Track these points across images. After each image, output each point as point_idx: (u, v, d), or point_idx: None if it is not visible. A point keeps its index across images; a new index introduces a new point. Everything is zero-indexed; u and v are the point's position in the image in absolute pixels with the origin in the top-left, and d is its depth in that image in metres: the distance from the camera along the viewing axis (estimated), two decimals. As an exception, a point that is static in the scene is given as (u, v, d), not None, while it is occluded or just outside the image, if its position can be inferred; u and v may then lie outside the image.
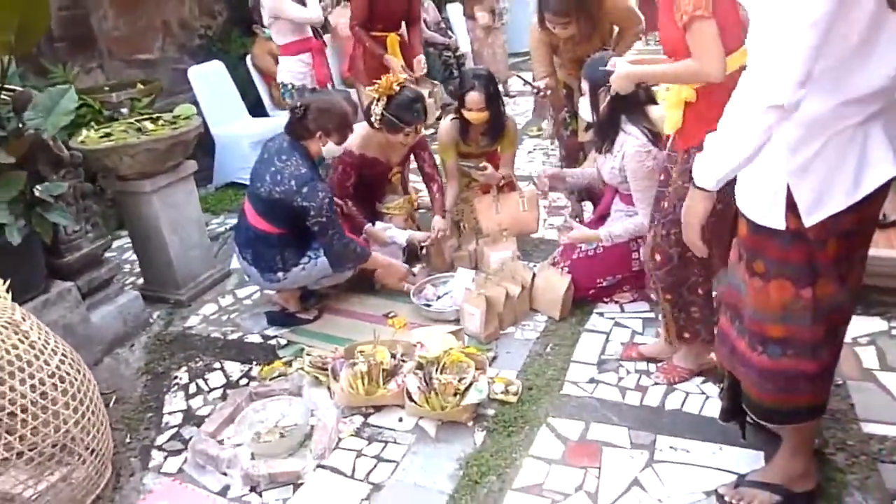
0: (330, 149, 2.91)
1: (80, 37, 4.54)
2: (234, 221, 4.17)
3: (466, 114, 3.31)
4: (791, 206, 1.49)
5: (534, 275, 2.99)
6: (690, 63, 1.89)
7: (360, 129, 3.20)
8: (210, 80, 4.84)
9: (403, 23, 4.29)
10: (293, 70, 3.93)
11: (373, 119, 3.13)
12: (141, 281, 3.49)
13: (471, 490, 2.07)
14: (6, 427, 1.88)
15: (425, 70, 4.52)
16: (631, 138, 2.65)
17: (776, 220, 1.53)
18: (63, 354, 2.09)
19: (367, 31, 4.09)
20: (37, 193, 2.58)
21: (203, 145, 4.35)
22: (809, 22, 1.27)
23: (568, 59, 3.36)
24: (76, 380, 2.07)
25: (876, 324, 2.67)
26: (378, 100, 3.10)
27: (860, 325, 2.66)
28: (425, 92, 4.22)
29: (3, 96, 2.65)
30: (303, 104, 2.87)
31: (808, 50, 1.29)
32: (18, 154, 2.50)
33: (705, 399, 2.35)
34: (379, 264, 3.11)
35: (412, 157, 3.54)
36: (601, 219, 3.05)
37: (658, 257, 2.25)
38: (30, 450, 1.92)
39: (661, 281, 2.28)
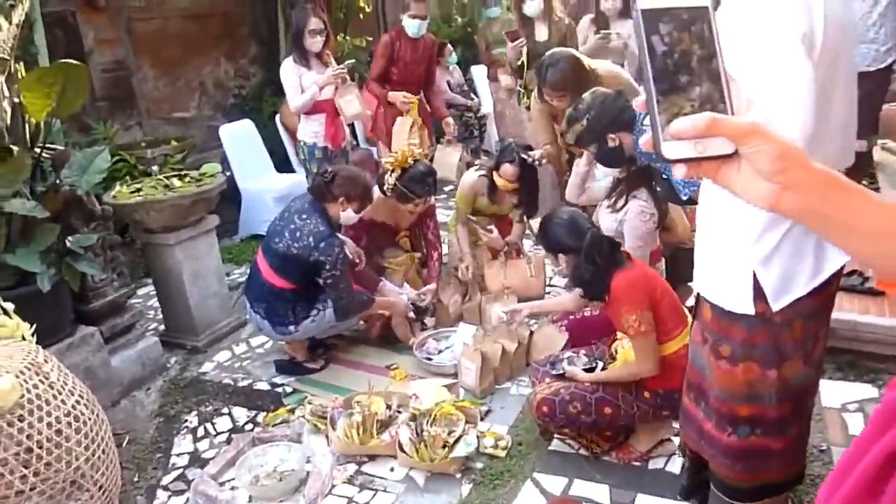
0: (347, 216, 3.10)
1: (122, 96, 4.88)
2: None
3: (497, 178, 3.49)
4: (758, 292, 1.57)
5: (531, 332, 3.10)
6: (632, 366, 2.29)
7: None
8: (239, 138, 5.13)
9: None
10: (308, 129, 4.18)
11: (385, 187, 3.31)
12: (162, 327, 3.68)
13: (453, 540, 2.16)
14: (22, 461, 2.04)
15: (456, 134, 4.75)
16: (637, 201, 2.81)
17: (744, 305, 1.59)
18: (80, 395, 2.26)
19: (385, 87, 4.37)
20: (68, 244, 2.81)
21: (230, 198, 4.61)
22: (806, 79, 1.34)
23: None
24: (90, 419, 2.23)
25: (865, 390, 2.71)
26: (392, 170, 3.29)
27: (849, 391, 2.71)
28: (455, 155, 4.42)
29: (44, 155, 2.91)
30: (332, 171, 3.10)
31: (809, 102, 1.34)
32: (54, 208, 2.73)
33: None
34: (383, 306, 3.27)
35: (419, 223, 3.71)
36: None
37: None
38: (42, 483, 2.07)
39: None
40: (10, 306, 2.21)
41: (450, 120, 4.61)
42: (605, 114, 2.25)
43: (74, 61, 2.68)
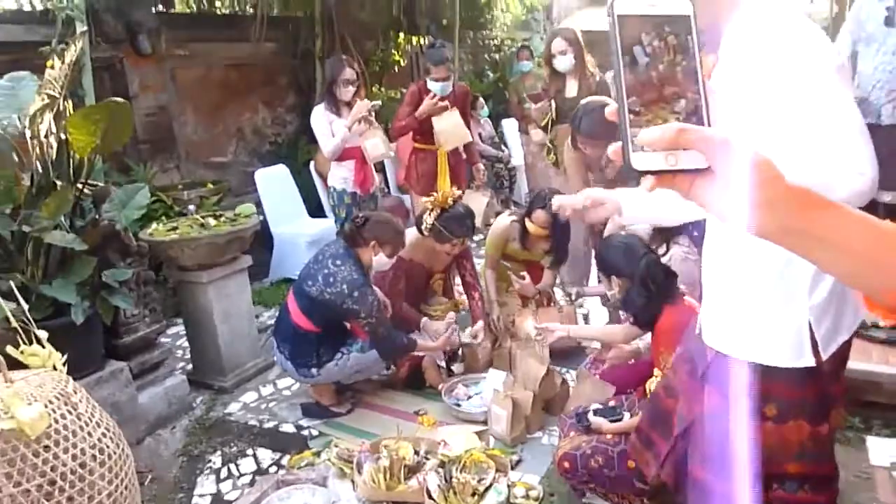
0: (380, 261, 3.09)
1: (162, 139, 5.01)
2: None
3: (529, 225, 3.47)
4: (812, 342, 1.47)
5: (563, 380, 3.02)
6: None
7: (408, 235, 3.38)
8: (274, 183, 5.20)
9: None
10: (337, 175, 4.23)
11: (423, 227, 3.31)
12: (190, 367, 3.66)
13: None
14: (45, 493, 2.00)
15: (485, 179, 4.76)
16: (679, 247, 2.77)
17: (804, 358, 1.48)
18: (106, 428, 2.23)
19: (416, 143, 4.40)
20: (104, 278, 2.83)
21: (262, 242, 4.65)
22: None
23: (601, 177, 3.52)
24: (115, 454, 2.19)
25: (916, 450, 2.57)
26: (431, 210, 3.29)
27: (900, 451, 2.57)
28: (483, 201, 4.42)
29: (85, 191, 2.97)
30: (363, 216, 3.12)
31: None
32: (92, 242, 2.76)
33: (730, 518, 2.29)
34: (427, 349, 3.25)
35: (455, 265, 3.69)
36: None
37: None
38: (63, 517, 2.02)
39: None
40: (43, 334, 2.20)
41: (480, 166, 4.63)
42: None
43: (119, 99, 2.76)
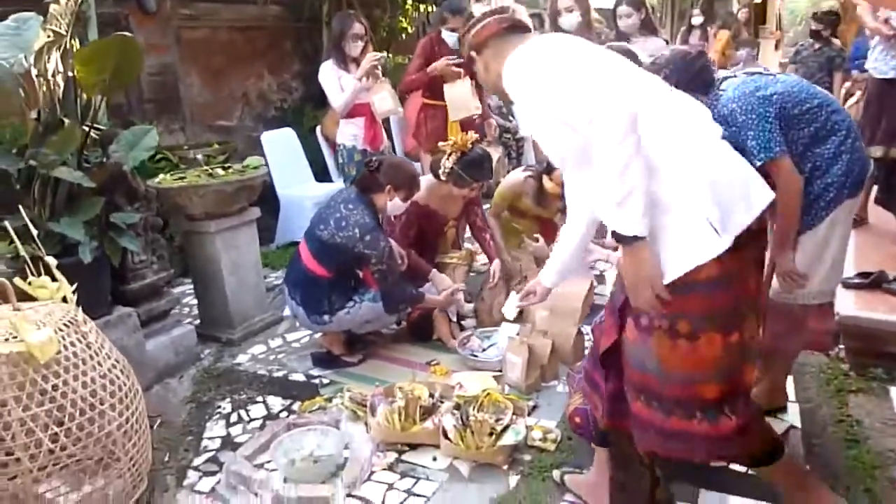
0: (395, 205, 3.04)
1: (167, 99, 4.93)
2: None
3: (547, 182, 3.41)
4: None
5: (579, 331, 2.97)
6: None
7: (425, 181, 3.35)
8: (280, 145, 5.13)
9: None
10: (347, 132, 4.15)
11: (441, 171, 3.26)
12: (197, 322, 3.60)
13: (501, 529, 2.00)
14: (55, 420, 1.95)
15: (497, 133, 4.68)
16: None
17: (712, 245, 1.52)
18: (115, 360, 2.18)
19: (425, 99, 4.33)
20: (112, 220, 2.78)
21: (268, 206, 4.58)
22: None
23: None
24: (125, 385, 2.15)
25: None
26: (450, 154, 3.24)
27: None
28: (495, 155, 4.37)
29: (93, 134, 2.90)
30: (377, 160, 3.07)
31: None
32: (99, 181, 2.70)
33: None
34: (433, 304, 3.20)
35: (465, 211, 3.64)
36: None
37: None
38: (73, 445, 1.97)
39: None
40: (52, 261, 2.15)
41: (492, 121, 4.55)
42: (686, 70, 2.15)
43: (128, 34, 2.69)
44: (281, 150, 5.11)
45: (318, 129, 5.54)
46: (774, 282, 2.31)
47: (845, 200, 2.18)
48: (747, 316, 1.62)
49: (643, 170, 1.49)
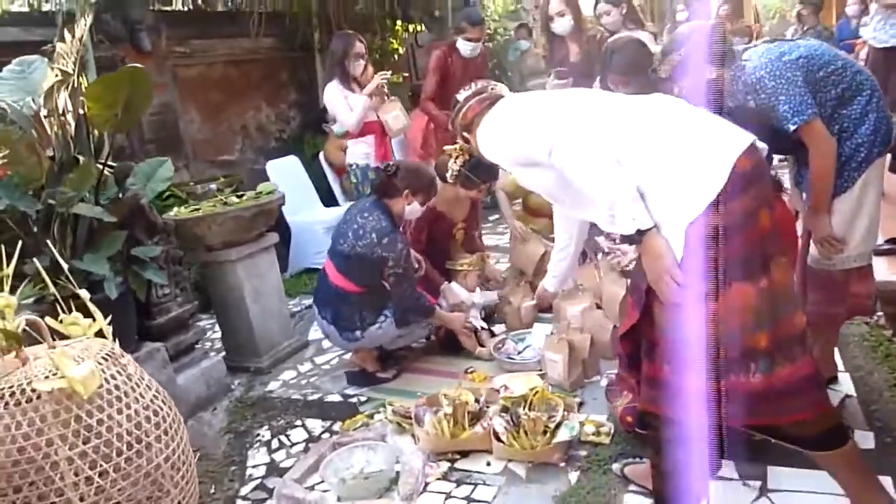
0: (413, 209, 3.02)
1: (169, 138, 4.91)
2: (309, 301, 4.29)
3: None
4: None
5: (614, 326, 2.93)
6: None
7: None
8: (286, 173, 5.11)
9: None
10: (357, 152, 4.14)
11: (448, 174, 3.23)
12: (223, 354, 3.54)
13: (570, 526, 1.94)
14: (102, 455, 1.89)
15: None
16: None
17: (720, 172, 1.52)
18: (156, 391, 2.11)
19: (437, 107, 4.32)
20: (134, 254, 2.73)
21: (280, 236, 4.54)
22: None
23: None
24: (168, 415, 2.09)
25: None
26: (456, 157, 3.21)
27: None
28: None
29: (106, 171, 2.87)
30: (394, 164, 3.07)
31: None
32: (120, 216, 2.66)
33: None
34: (443, 319, 3.12)
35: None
36: None
37: None
38: (123, 479, 1.90)
39: None
40: (85, 294, 2.10)
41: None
42: (705, 44, 2.14)
43: (137, 64, 2.68)
44: (287, 177, 5.09)
45: (322, 155, 5.53)
46: (813, 250, 2.28)
47: (875, 160, 2.16)
48: (771, 259, 1.58)
49: (618, 169, 1.58)
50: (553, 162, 1.65)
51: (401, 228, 3.28)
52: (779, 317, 1.58)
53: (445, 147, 3.44)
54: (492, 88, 2.11)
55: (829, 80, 2.09)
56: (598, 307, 3.15)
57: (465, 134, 2.10)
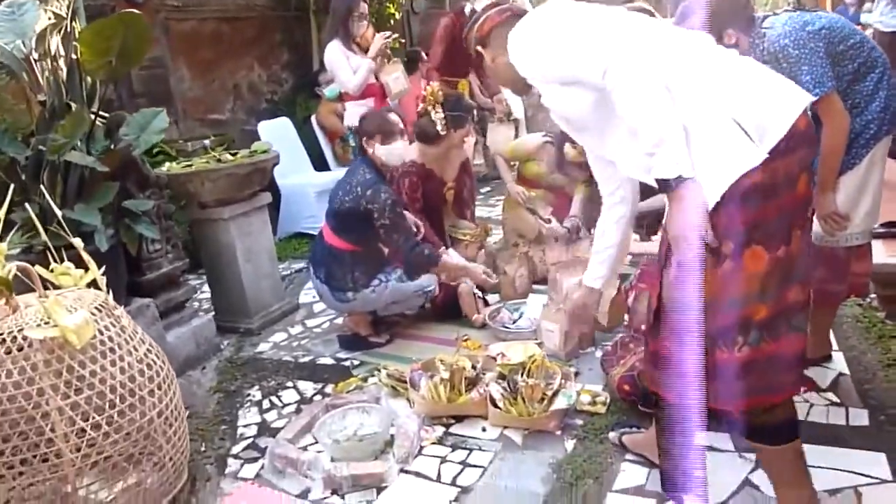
0: (389, 154, 2.95)
1: (159, 93, 4.79)
2: (299, 265, 4.25)
3: (570, 149, 3.34)
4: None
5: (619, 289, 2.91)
6: None
7: (414, 146, 3.37)
8: (278, 135, 5.01)
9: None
10: (356, 114, 4.06)
11: (438, 127, 3.22)
12: (212, 314, 3.49)
13: (567, 492, 1.95)
14: (95, 407, 1.84)
15: (508, 109, 4.63)
16: None
17: (748, 158, 1.40)
18: (150, 345, 2.08)
19: (442, 76, 4.25)
20: (125, 207, 2.66)
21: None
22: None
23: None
24: (161, 370, 2.05)
25: None
26: (434, 108, 3.22)
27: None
28: (510, 133, 4.36)
29: (98, 121, 2.78)
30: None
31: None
32: (112, 166, 2.59)
33: (810, 406, 2.21)
34: (454, 267, 3.03)
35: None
36: None
37: None
38: (116, 433, 1.87)
39: None
40: (79, 242, 2.05)
41: (501, 96, 4.49)
42: (727, 4, 2.10)
43: (134, 10, 2.58)
44: (278, 139, 4.97)
45: (314, 118, 5.43)
46: (816, 227, 2.27)
47: (883, 137, 2.15)
48: (795, 228, 1.48)
49: (670, 105, 1.41)
50: (606, 83, 1.46)
51: (394, 185, 3.24)
52: (785, 289, 1.51)
53: (419, 108, 3.41)
54: (512, 1, 2.00)
55: (847, 55, 2.07)
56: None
57: (478, 48, 1.89)
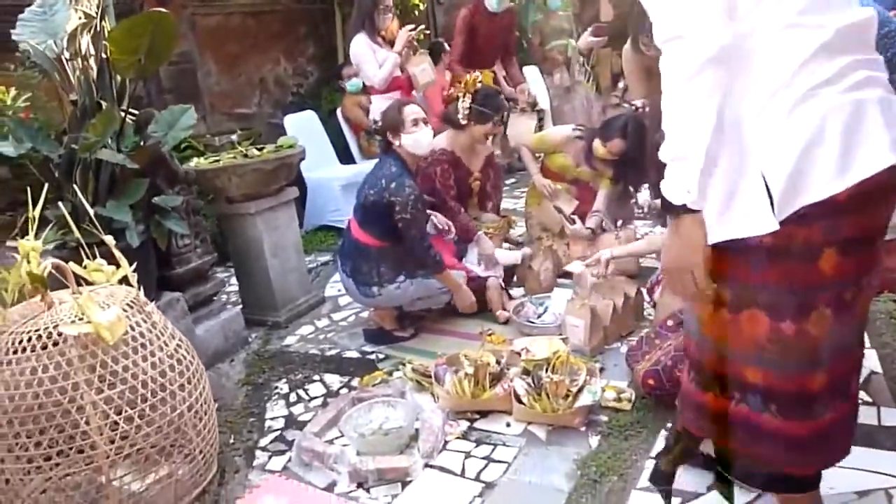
0: (417, 140, 2.92)
1: (187, 88, 4.85)
2: (325, 258, 4.29)
3: (599, 147, 3.32)
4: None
5: (639, 290, 2.90)
6: None
7: (445, 133, 3.40)
8: (303, 128, 5.04)
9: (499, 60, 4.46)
10: (384, 107, 4.07)
11: (460, 115, 3.23)
12: (240, 307, 3.54)
13: (591, 489, 1.94)
14: (127, 401, 1.89)
15: (531, 99, 4.61)
16: None
17: (763, 221, 1.17)
18: (179, 340, 2.12)
19: (464, 67, 4.24)
20: (155, 202, 2.71)
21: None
22: None
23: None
24: (191, 365, 2.09)
25: None
26: (463, 96, 3.22)
27: None
28: (531, 123, 4.35)
29: (129, 118, 2.82)
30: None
31: None
32: (142, 163, 2.63)
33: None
34: (451, 284, 3.02)
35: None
36: None
37: None
38: (147, 426, 1.91)
39: None
40: (110, 240, 2.09)
41: (524, 86, 4.46)
42: None
43: (162, 9, 2.62)
44: (304, 133, 5.01)
45: (339, 111, 5.46)
46: None
47: None
48: (819, 308, 1.22)
49: (715, 130, 1.14)
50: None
51: (422, 176, 3.25)
52: (803, 370, 1.29)
53: (451, 90, 3.42)
54: None
55: (880, 43, 2.02)
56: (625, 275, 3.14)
57: None
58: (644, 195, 3.77)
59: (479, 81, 3.33)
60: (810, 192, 1.14)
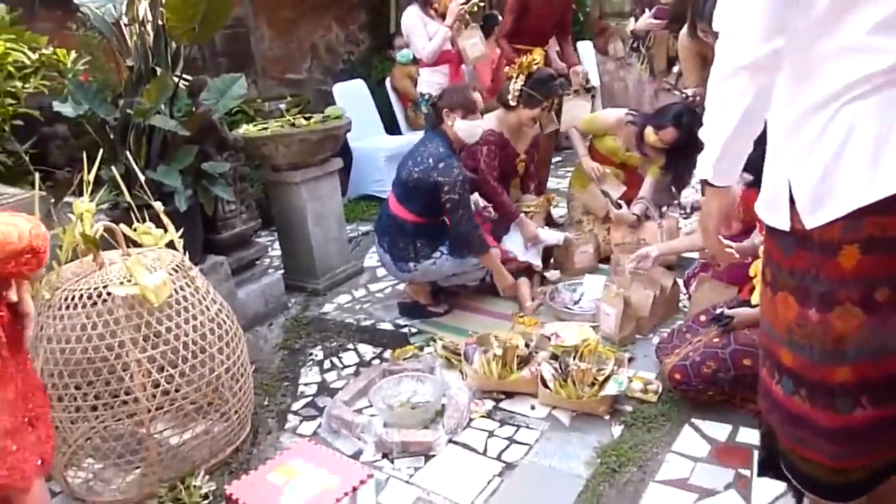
0: (468, 130, 2.94)
1: (240, 53, 4.93)
2: (366, 228, 4.35)
3: (651, 134, 3.28)
4: (793, 202, 1.21)
5: (675, 281, 2.89)
6: None
7: (494, 114, 3.39)
8: (352, 97, 5.09)
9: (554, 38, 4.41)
10: (432, 80, 4.08)
11: (510, 96, 3.22)
12: (281, 272, 3.64)
13: (609, 477, 1.97)
14: (169, 361, 1.99)
15: (585, 81, 4.54)
16: None
17: (781, 219, 1.24)
18: (220, 304, 2.20)
19: (513, 44, 4.20)
20: (204, 168, 2.79)
21: (340, 158, 4.57)
22: None
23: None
24: (231, 329, 2.17)
25: None
26: (517, 77, 3.21)
27: None
28: (585, 107, 4.30)
29: (182, 84, 2.90)
30: (438, 94, 3.11)
31: None
32: (193, 130, 2.71)
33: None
34: (493, 265, 3.04)
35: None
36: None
37: None
38: (187, 385, 2.01)
39: None
40: (159, 206, 2.17)
41: (578, 69, 4.40)
42: None
43: (218, -22, 2.66)
44: (352, 101, 5.06)
45: (388, 81, 5.48)
46: None
47: None
48: (844, 303, 1.20)
49: (735, 121, 1.21)
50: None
51: (475, 156, 3.27)
52: (832, 363, 1.27)
53: (505, 69, 3.40)
54: None
55: None
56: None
57: None
58: (687, 195, 3.72)
59: (536, 64, 3.31)
60: (836, 203, 1.15)
